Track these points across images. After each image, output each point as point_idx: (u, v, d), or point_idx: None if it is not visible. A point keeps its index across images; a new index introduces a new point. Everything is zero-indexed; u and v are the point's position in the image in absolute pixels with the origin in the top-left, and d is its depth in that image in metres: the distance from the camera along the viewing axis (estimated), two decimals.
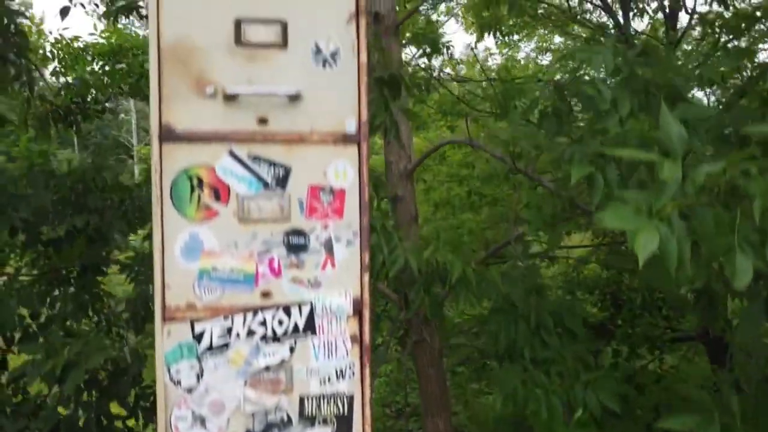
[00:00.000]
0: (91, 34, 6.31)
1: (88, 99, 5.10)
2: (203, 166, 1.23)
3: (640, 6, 7.82)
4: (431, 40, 4.19)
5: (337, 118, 1.28)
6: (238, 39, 1.24)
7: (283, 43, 1.25)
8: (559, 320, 2.46)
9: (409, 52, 5.65)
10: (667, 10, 5.01)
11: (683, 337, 5.43)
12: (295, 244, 1.27)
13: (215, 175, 1.23)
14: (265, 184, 1.25)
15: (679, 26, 5.83)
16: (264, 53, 1.25)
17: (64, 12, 3.78)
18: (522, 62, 11.74)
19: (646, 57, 2.28)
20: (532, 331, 2.36)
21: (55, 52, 6.48)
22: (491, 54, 5.93)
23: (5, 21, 2.91)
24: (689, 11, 4.72)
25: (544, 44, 8.89)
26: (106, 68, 6.26)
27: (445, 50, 4.66)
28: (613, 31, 7.82)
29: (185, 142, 1.22)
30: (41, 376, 2.51)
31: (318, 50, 1.27)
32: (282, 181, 1.26)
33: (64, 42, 6.40)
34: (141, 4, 4.76)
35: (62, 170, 5.06)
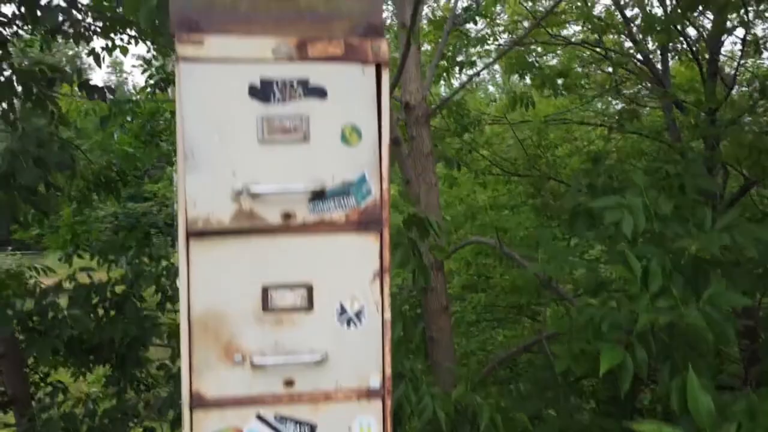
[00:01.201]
0: (131, 93, 6.54)
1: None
2: (232, 429, 1.27)
3: (679, 48, 7.64)
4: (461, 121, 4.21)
5: (362, 375, 1.30)
6: (265, 305, 1.27)
7: (309, 306, 1.28)
8: None
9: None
10: (705, 74, 4.90)
11: (725, 385, 5.31)
12: None
13: None
14: None
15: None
16: (290, 316, 1.28)
17: (105, 120, 3.93)
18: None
19: (678, 212, 2.23)
20: None
21: (97, 110, 6.73)
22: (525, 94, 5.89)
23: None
24: (727, 85, 4.60)
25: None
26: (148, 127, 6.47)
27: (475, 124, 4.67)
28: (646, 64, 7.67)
29: (215, 408, 1.26)
30: None
31: (343, 310, 1.29)
32: None
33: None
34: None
35: None
